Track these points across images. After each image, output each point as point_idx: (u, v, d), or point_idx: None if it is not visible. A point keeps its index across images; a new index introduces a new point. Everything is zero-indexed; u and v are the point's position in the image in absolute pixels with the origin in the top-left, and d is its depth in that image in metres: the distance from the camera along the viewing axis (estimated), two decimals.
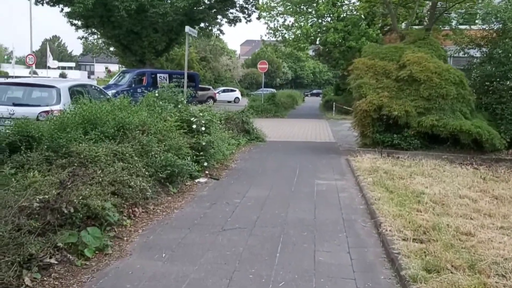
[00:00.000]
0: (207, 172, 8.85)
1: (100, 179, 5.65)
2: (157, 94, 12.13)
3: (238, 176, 8.86)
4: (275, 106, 29.34)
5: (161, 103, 11.05)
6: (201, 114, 9.09)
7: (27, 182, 4.58)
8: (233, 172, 9.33)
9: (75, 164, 5.82)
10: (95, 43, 43.44)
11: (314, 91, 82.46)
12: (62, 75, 76.67)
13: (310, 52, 46.11)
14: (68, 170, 4.96)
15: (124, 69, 35.05)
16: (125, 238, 5.11)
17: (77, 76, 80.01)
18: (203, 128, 8.85)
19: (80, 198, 4.62)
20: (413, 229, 5.35)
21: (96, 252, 4.58)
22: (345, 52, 28.94)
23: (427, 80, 10.84)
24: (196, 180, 8.19)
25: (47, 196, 4.37)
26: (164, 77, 28.78)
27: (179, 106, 11.04)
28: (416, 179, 8.30)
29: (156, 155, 7.13)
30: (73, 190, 4.67)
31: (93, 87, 12.23)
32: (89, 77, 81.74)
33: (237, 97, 48.00)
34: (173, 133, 8.26)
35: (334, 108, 28.85)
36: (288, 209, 6.54)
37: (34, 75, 48.00)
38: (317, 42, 31.78)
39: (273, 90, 46.45)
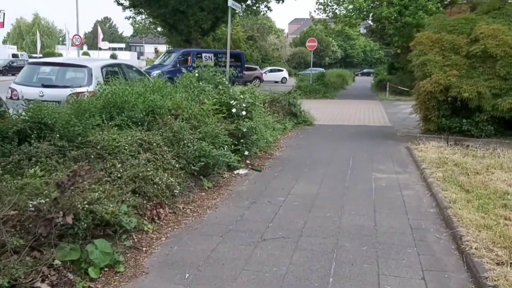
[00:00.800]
0: (248, 161, 7.88)
1: (119, 175, 4.80)
2: (196, 74, 11.29)
3: (283, 167, 7.83)
4: (324, 87, 27.93)
5: (200, 83, 10.22)
6: (242, 96, 8.07)
7: (20, 183, 3.75)
8: (278, 162, 8.30)
9: (92, 156, 4.99)
10: (143, 24, 43.18)
11: (365, 71, 79.58)
12: (113, 56, 78.15)
13: (362, 30, 43.90)
14: (70, 170, 4.08)
15: (169, 49, 34.60)
16: (143, 249, 4.22)
17: (127, 57, 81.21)
18: (244, 113, 7.84)
19: (84, 203, 3.74)
20: (507, 246, 4.14)
21: (105, 269, 3.71)
22: (400, 28, 26.98)
23: (505, 56, 9.29)
24: (235, 172, 7.23)
25: (43, 201, 3.51)
26: (209, 57, 27.95)
27: (220, 87, 10.15)
28: (495, 174, 6.95)
29: (189, 144, 6.20)
30: (77, 193, 3.79)
31: (133, 67, 11.49)
32: (138, 58, 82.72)
33: (285, 77, 46.66)
34: (210, 118, 7.32)
35: (388, 89, 27.07)
36: (342, 212, 5.45)
37: (83, 56, 48.65)
38: (370, 18, 29.93)
39: (322, 70, 44.80)
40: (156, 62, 29.87)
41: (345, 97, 27.98)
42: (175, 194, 5.31)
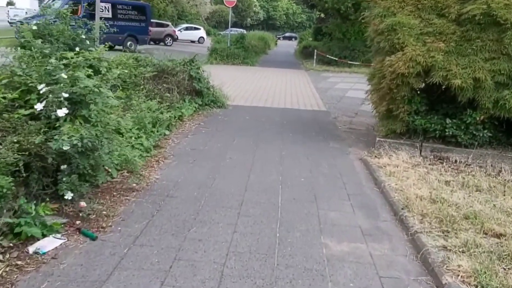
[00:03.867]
0: (81, 208, 3.92)
1: None
2: (34, 27, 7.10)
3: (149, 223, 3.92)
4: (244, 51, 24.02)
5: (39, 42, 6.13)
6: (64, 76, 3.93)
7: None
8: (144, 203, 4.37)
9: None
10: None
11: (287, 34, 76.76)
12: (10, 3, 68.74)
13: None
14: None
15: None
16: None
17: (26, 5, 72.01)
18: (64, 111, 3.75)
19: None
20: None
21: None
22: None
23: None
24: (32, 249, 3.25)
25: None
26: (106, 7, 22.76)
27: (77, 50, 6.11)
28: None
29: None
30: None
31: None
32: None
33: (202, 37, 41.97)
34: None
35: (315, 57, 23.75)
36: None
37: None
38: None
39: (243, 31, 40.80)
40: (37, 11, 24.08)
41: (267, 64, 24.34)
42: None
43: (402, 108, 6.46)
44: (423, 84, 6.33)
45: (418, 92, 6.46)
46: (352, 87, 15.79)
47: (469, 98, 6.10)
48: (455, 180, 5.33)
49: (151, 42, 29.64)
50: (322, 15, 33.90)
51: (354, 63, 22.75)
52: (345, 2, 23.56)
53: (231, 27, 31.97)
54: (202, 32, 42.93)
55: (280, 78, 17.63)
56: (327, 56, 23.80)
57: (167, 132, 6.94)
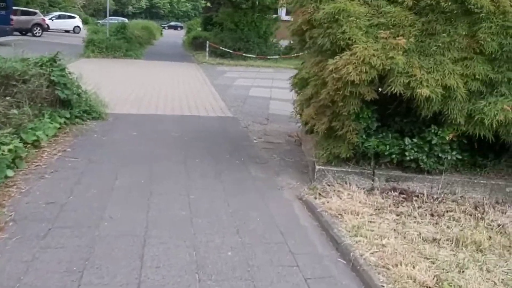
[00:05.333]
0: None
1: None
2: None
3: None
4: (127, 42, 21.18)
5: None
6: None
7: None
8: None
9: None
10: None
11: (172, 24, 73.73)
12: None
13: None
14: None
15: None
16: None
17: None
18: None
19: None
20: None
21: None
22: None
23: (495, 14, 4.54)
24: None
25: None
26: None
27: None
28: None
29: None
30: None
31: None
32: None
33: (78, 26, 37.59)
34: None
35: (208, 49, 21.70)
36: None
37: None
38: None
39: (125, 20, 37.37)
40: None
41: (154, 57, 21.76)
42: None
43: (348, 126, 4.78)
44: (376, 94, 4.70)
45: (371, 106, 4.82)
46: (253, 84, 14.14)
47: (435, 110, 4.61)
48: (442, 234, 3.77)
49: (16, 33, 25.46)
50: (209, 4, 31.94)
51: (249, 55, 21.20)
52: None
53: (111, 15, 28.64)
54: (77, 21, 38.50)
55: (171, 73, 15.37)
56: (220, 48, 21.90)
57: (10, 173, 4.53)
